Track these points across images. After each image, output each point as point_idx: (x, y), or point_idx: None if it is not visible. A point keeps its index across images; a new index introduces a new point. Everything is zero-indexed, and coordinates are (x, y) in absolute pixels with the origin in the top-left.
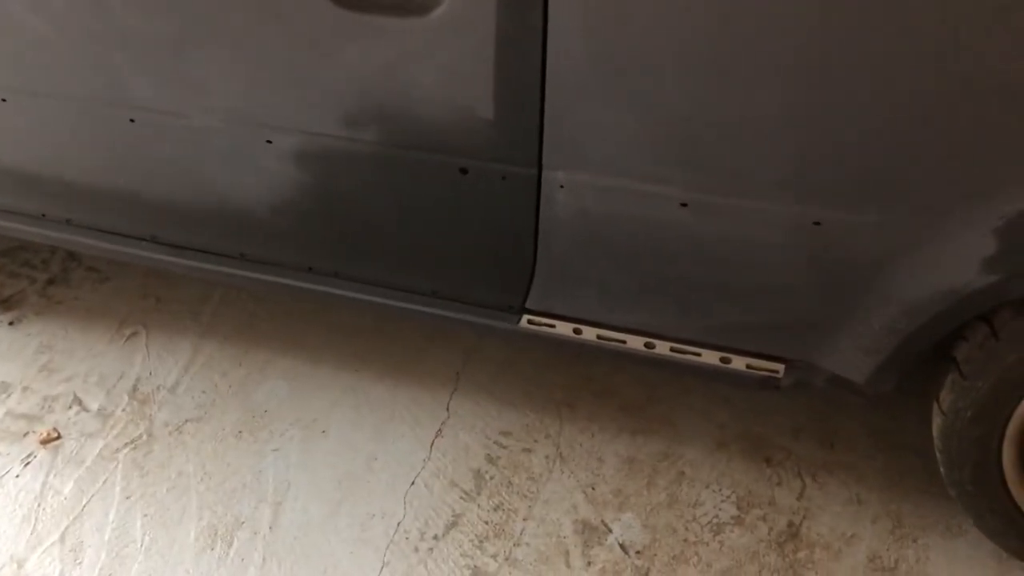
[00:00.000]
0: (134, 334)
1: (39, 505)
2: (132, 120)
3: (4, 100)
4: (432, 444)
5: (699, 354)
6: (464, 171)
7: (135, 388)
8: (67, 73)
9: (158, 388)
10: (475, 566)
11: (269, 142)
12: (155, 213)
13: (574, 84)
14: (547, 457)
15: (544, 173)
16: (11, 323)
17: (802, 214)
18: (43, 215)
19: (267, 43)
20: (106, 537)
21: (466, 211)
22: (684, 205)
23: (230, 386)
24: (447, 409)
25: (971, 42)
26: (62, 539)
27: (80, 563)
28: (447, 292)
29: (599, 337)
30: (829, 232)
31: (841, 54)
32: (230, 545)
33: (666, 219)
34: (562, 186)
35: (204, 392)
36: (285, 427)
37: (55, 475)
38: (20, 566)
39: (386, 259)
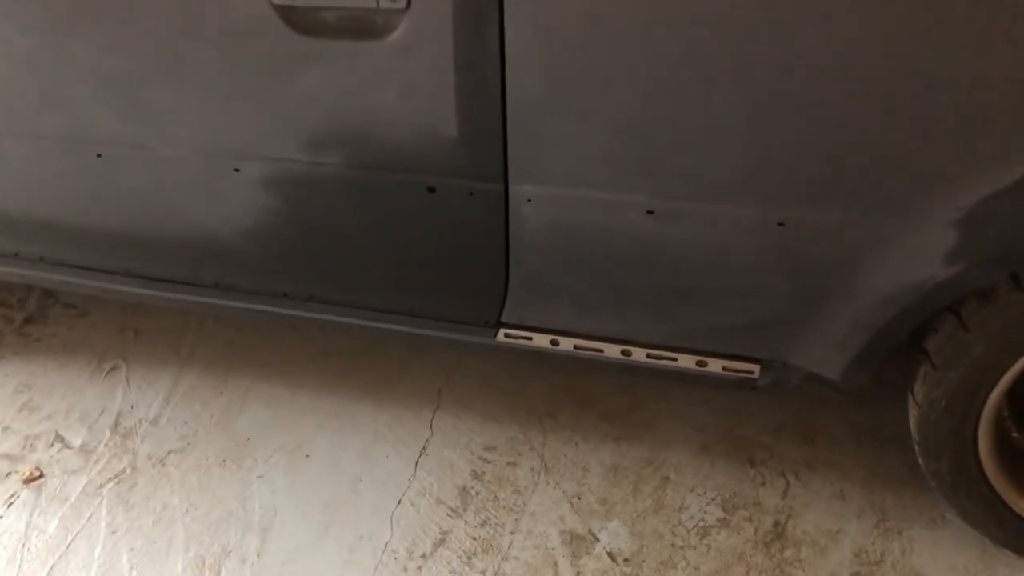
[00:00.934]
0: (114, 368)
1: (24, 545)
2: (99, 155)
3: None
4: (417, 463)
5: (675, 359)
6: (432, 190)
7: (117, 422)
8: (31, 111)
9: (140, 421)
10: None
11: (236, 170)
12: (127, 246)
13: (534, 99)
14: (532, 469)
15: (511, 188)
16: None
17: (765, 216)
18: (16, 254)
19: (228, 72)
20: (93, 574)
21: (436, 229)
22: (650, 213)
23: (212, 415)
24: (430, 427)
25: (919, 39)
26: None
27: None
28: (423, 310)
29: (576, 347)
30: (793, 232)
31: (793, 57)
32: (218, 575)
33: (634, 227)
34: (529, 200)
35: (186, 423)
36: (269, 453)
37: (39, 514)
38: None
39: (360, 281)
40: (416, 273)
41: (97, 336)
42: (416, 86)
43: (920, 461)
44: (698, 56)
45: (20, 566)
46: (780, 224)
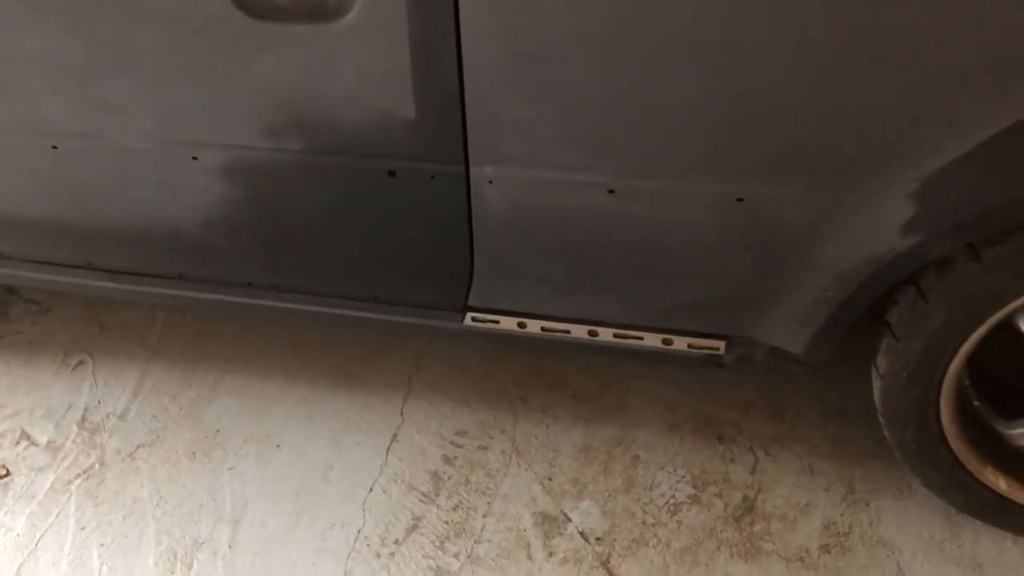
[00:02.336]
0: (80, 363)
1: None
2: (55, 147)
3: None
4: (388, 449)
5: (641, 338)
6: (392, 173)
7: (84, 418)
8: None
9: (107, 416)
10: (437, 567)
11: (195, 159)
12: (88, 239)
13: (491, 79)
14: (503, 452)
15: (472, 170)
16: None
17: (725, 192)
18: None
19: (182, 59)
20: (63, 571)
21: (399, 213)
22: (612, 192)
23: (180, 408)
24: (401, 413)
25: (873, 13)
26: None
27: None
28: (389, 296)
29: (543, 329)
30: (752, 208)
31: (747, 32)
32: (190, 568)
33: (595, 206)
34: (491, 181)
35: (155, 416)
36: (239, 445)
37: (6, 512)
38: None
39: (324, 268)
40: (381, 259)
41: (62, 332)
42: (372, 68)
43: (885, 432)
44: (655, 34)
45: None
46: (740, 200)
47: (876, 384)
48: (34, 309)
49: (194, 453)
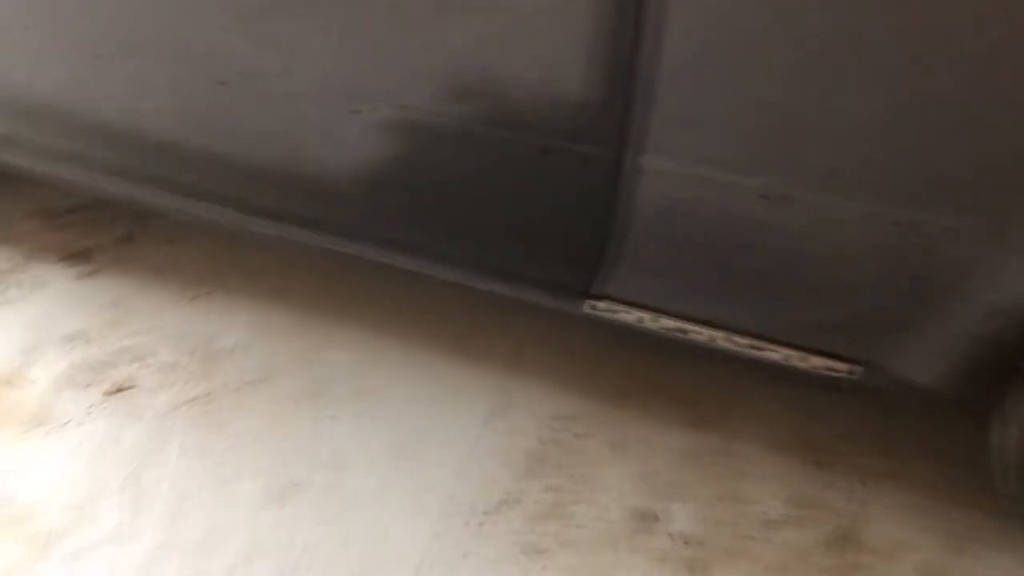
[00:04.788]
0: (201, 295)
1: (100, 454)
2: (222, 82)
3: (99, 57)
4: (487, 423)
5: (763, 348)
6: (545, 151)
7: (198, 348)
8: (162, 33)
9: (220, 350)
10: (525, 543)
11: (356, 112)
12: (239, 176)
13: (668, 70)
14: (602, 443)
15: (626, 158)
16: (81, 277)
17: (881, 213)
18: (127, 171)
19: (361, 12)
20: (163, 490)
21: (544, 191)
22: (764, 197)
23: (292, 352)
24: (504, 389)
25: None
26: (121, 489)
27: (138, 513)
28: (517, 271)
29: (663, 327)
30: (908, 233)
31: (927, 50)
32: (283, 507)
33: (745, 210)
34: (643, 172)
35: (266, 356)
36: (343, 396)
37: (116, 427)
38: (80, 512)
39: (460, 234)
40: (517, 233)
41: (186, 263)
42: (548, 47)
43: (997, 479)
44: (838, 46)
45: (95, 473)
46: (896, 223)
47: (996, 430)
48: (163, 238)
49: (299, 398)
